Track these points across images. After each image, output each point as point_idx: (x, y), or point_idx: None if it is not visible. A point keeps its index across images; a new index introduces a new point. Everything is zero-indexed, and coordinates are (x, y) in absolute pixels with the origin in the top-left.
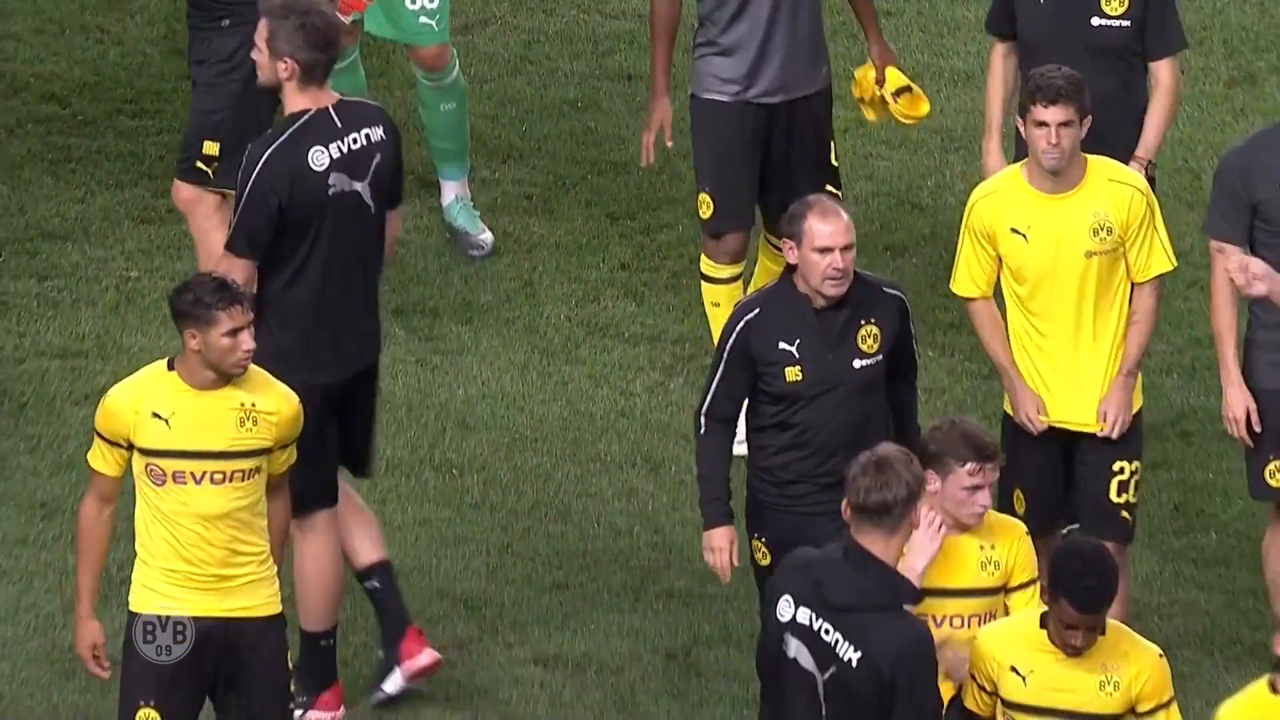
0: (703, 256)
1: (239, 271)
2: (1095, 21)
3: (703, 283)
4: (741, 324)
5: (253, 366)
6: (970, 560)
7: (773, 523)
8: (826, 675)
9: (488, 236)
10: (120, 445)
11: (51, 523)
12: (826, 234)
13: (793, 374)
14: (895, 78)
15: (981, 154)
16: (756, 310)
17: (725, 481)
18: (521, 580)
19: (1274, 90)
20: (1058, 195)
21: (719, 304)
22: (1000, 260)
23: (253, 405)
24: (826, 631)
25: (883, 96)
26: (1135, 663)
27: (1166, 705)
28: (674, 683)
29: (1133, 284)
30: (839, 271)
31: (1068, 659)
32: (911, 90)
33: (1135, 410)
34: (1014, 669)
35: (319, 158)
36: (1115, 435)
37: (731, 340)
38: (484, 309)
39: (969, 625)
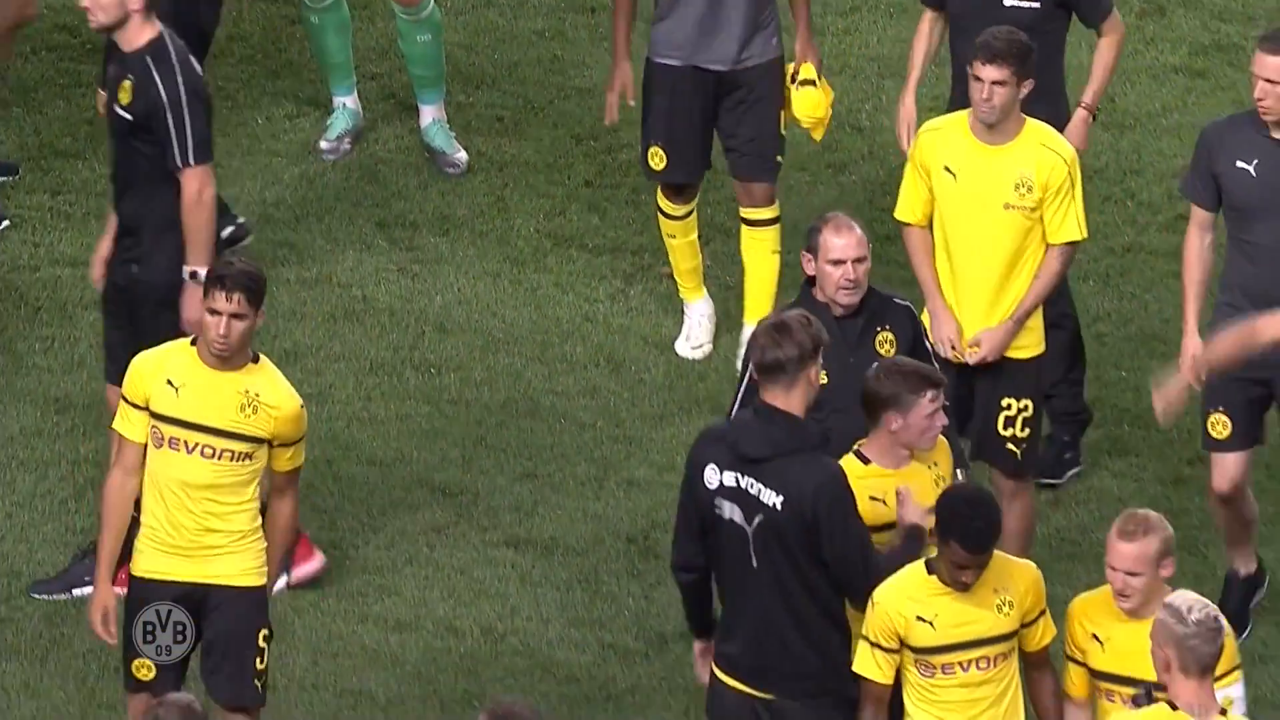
0: (659, 193)
1: (211, 177)
2: (1008, 2)
3: (659, 216)
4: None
5: (269, 364)
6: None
7: None
8: (754, 525)
9: (462, 155)
10: (142, 408)
11: (64, 416)
12: (839, 247)
13: (859, 443)
14: (806, 70)
15: (898, 102)
16: None
17: None
18: (494, 470)
19: (1181, 20)
20: (991, 146)
21: (674, 236)
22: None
23: (257, 395)
24: (750, 485)
25: (789, 88)
26: (1020, 580)
27: (1044, 614)
28: (633, 563)
29: (1046, 247)
30: (851, 282)
31: (963, 595)
32: (816, 85)
33: (1032, 355)
34: (920, 618)
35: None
36: (973, 362)
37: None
38: (459, 222)
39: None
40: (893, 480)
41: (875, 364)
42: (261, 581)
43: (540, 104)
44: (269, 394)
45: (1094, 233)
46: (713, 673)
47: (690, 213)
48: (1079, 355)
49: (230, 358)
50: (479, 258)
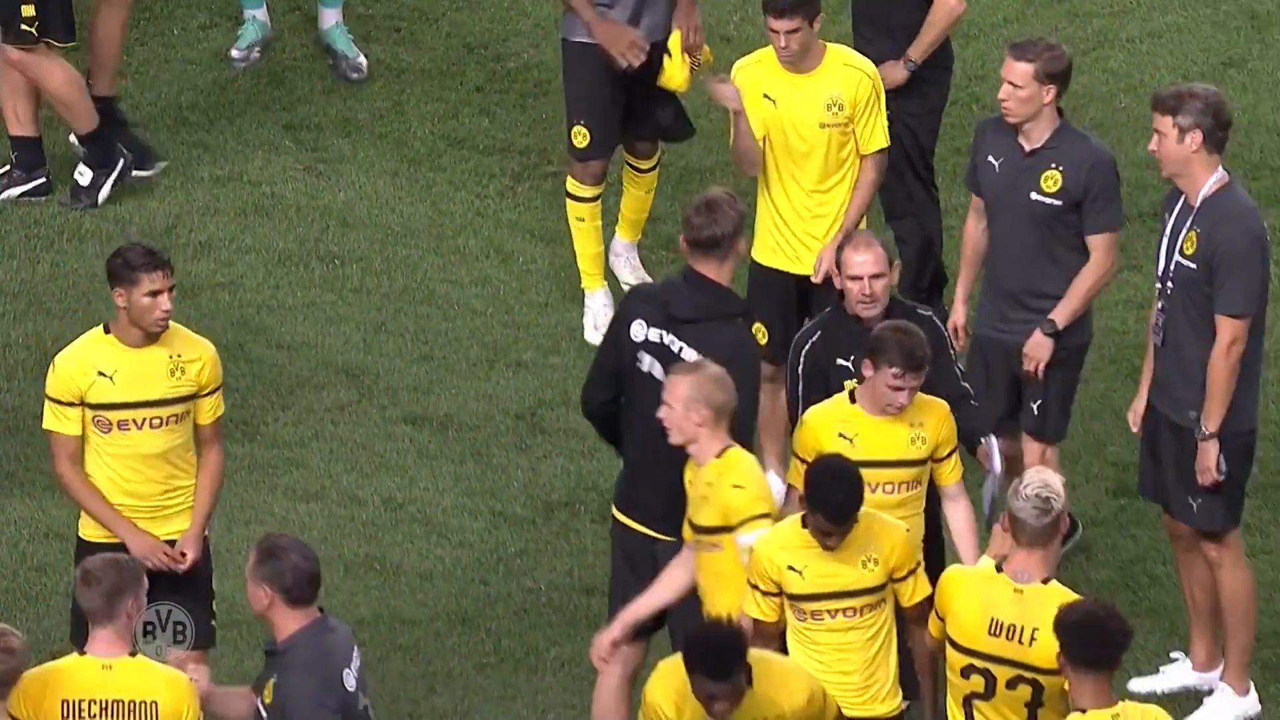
0: (569, 178)
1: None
2: None
3: (568, 200)
4: (807, 347)
5: (173, 323)
6: (901, 436)
7: None
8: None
9: (362, 60)
10: (75, 404)
11: None
12: (858, 264)
13: (851, 386)
14: (673, 41)
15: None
16: (817, 334)
17: None
18: (393, 353)
19: None
20: (800, 75)
21: (583, 219)
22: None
23: (179, 356)
24: (673, 342)
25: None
26: (887, 540)
27: (915, 570)
28: (522, 438)
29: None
30: (868, 296)
31: (830, 553)
32: (671, 57)
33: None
34: (791, 567)
35: None
36: (818, 280)
37: (802, 366)
38: (360, 125)
39: (899, 491)
40: (870, 425)
41: (899, 322)
42: (206, 530)
43: (434, 14)
44: (187, 350)
45: (941, 134)
46: (614, 516)
47: (599, 196)
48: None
49: (163, 333)
50: (378, 158)
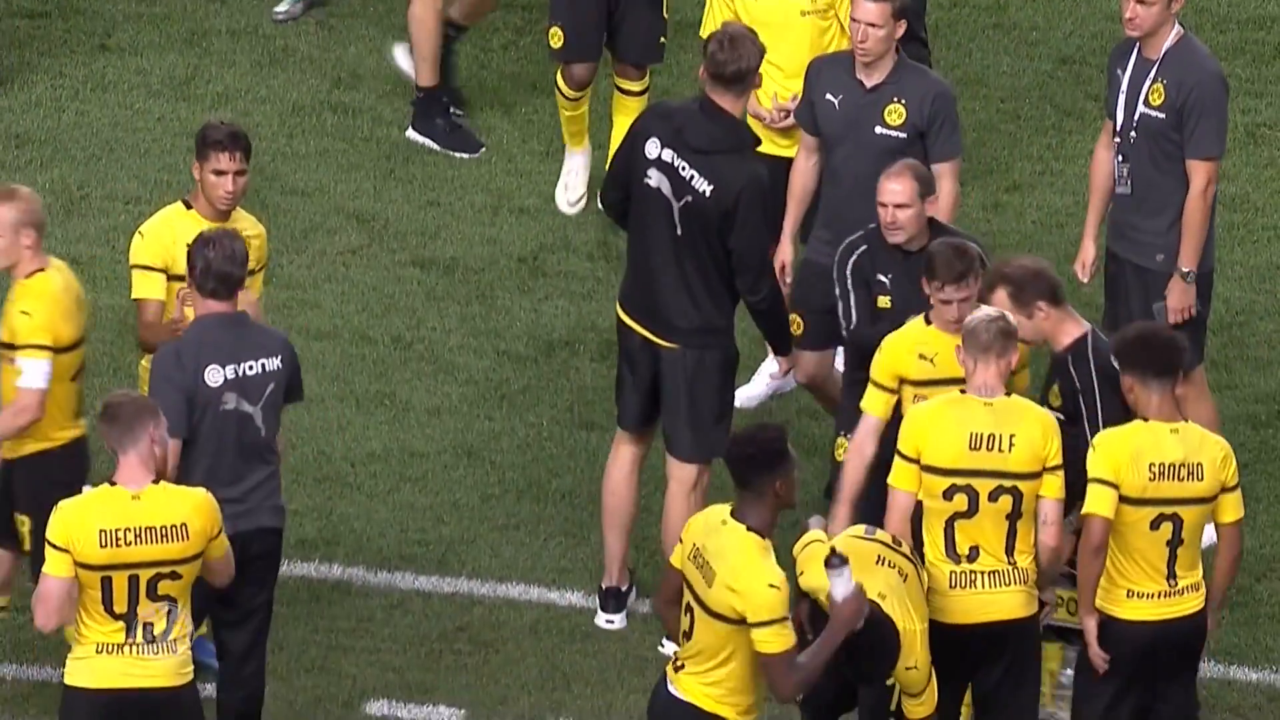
0: (558, 75)
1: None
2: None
3: (556, 93)
4: (854, 257)
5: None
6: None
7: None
8: (681, 203)
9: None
10: (161, 271)
11: (23, 150)
12: (888, 191)
13: (884, 301)
14: None
15: None
16: (864, 247)
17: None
18: (402, 199)
19: None
20: None
21: (567, 109)
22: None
23: (244, 232)
24: (683, 168)
25: None
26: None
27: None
28: (524, 281)
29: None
30: (892, 224)
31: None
32: None
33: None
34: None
35: None
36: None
37: (850, 270)
38: None
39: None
40: (949, 344)
41: (953, 240)
42: None
43: None
44: (250, 227)
45: None
46: (618, 313)
47: (581, 99)
48: None
49: (230, 211)
50: (387, 13)
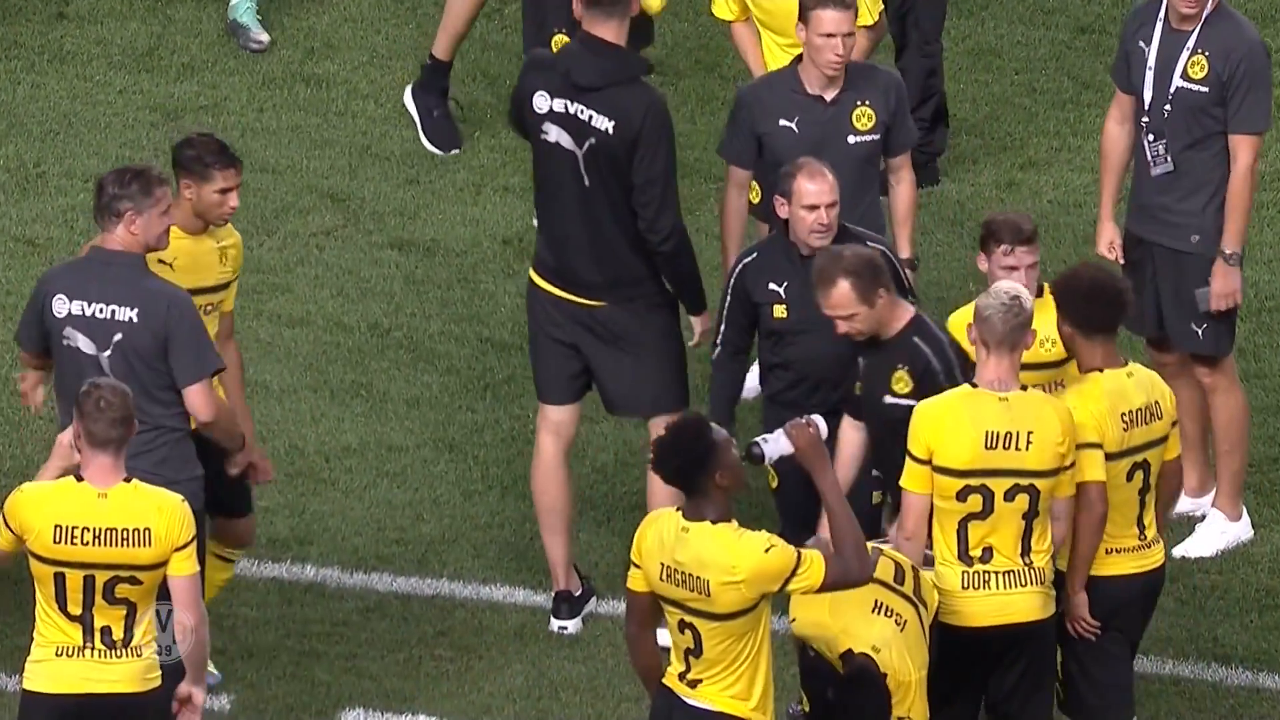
0: None
1: None
2: None
3: None
4: (740, 266)
5: None
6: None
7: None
8: (585, 149)
9: (265, 36)
10: None
11: None
12: (813, 193)
13: (779, 311)
14: None
15: None
16: (754, 255)
17: (730, 404)
18: (379, 177)
19: None
20: None
21: None
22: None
23: (221, 242)
24: (580, 111)
25: None
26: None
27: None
28: (509, 264)
29: None
30: (824, 226)
31: None
32: None
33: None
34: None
35: None
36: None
37: (732, 281)
38: None
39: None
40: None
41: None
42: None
43: None
44: (226, 236)
45: None
46: (531, 279)
47: None
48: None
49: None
50: None
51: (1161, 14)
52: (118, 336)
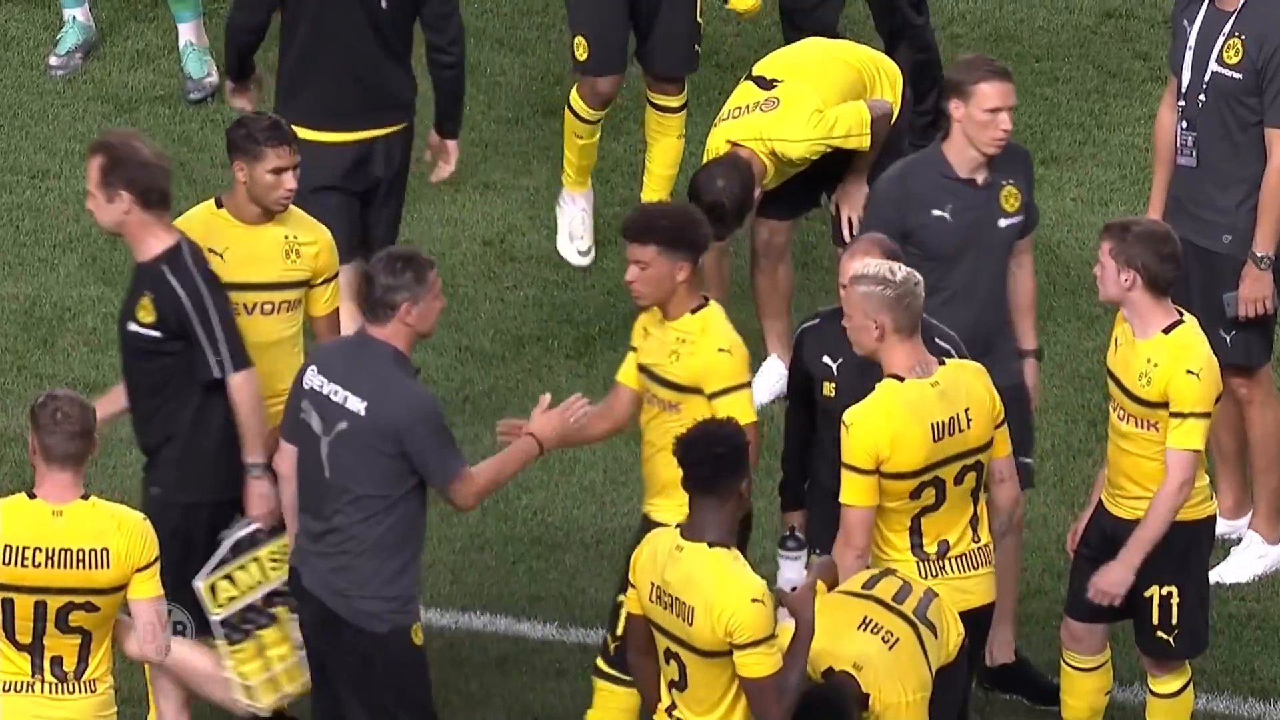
0: (574, 92)
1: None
2: None
3: (569, 115)
4: (799, 330)
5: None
6: None
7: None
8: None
9: (212, 78)
10: None
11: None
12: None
13: (827, 389)
14: None
15: None
16: (815, 321)
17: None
18: None
19: None
20: None
21: (580, 137)
22: None
23: (294, 238)
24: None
25: None
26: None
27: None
28: (490, 266)
29: None
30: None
31: None
32: None
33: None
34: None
35: None
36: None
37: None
38: None
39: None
40: None
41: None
42: None
43: None
44: (304, 233)
45: None
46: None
47: (599, 121)
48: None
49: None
50: None
51: None
52: (342, 425)
